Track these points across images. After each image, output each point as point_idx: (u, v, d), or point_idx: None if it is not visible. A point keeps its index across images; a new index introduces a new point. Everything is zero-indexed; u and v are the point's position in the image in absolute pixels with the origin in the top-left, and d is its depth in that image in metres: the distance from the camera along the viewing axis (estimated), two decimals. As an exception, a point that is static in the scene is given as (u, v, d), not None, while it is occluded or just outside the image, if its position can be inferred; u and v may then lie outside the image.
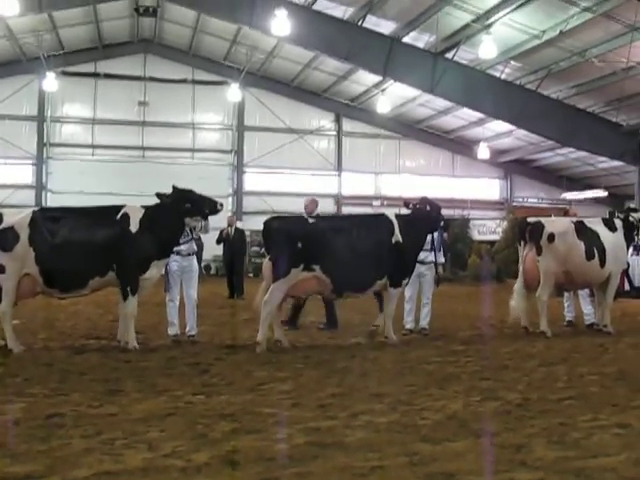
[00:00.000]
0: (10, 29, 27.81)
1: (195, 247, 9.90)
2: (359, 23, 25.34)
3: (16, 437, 4.80)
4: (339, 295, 9.82)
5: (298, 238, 9.25)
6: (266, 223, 9.56)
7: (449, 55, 25.62)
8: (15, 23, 26.67)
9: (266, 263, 9.61)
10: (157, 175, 28.62)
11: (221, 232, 17.94)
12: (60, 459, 4.32)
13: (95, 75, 33.38)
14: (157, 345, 9.44)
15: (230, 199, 33.41)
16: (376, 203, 34.94)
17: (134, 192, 25.57)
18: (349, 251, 9.47)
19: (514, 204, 36.78)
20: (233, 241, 18.01)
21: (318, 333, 11.01)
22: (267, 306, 9.09)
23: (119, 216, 9.05)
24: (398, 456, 4.44)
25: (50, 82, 30.83)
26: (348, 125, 35.94)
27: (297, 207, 29.44)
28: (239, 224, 20.19)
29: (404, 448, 4.62)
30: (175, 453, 4.46)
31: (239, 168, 34.63)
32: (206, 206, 9.42)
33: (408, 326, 11.06)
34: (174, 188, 9.41)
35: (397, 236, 9.80)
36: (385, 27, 25.75)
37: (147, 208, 9.26)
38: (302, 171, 34.93)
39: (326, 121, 35.92)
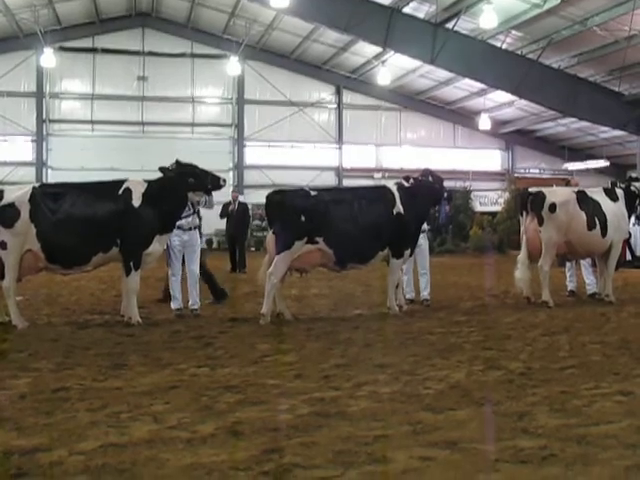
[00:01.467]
0: (6, 4, 27.58)
1: (197, 221, 9.89)
2: (359, -6, 25.12)
3: (22, 411, 4.83)
4: (342, 267, 9.86)
5: (301, 211, 9.29)
6: (269, 197, 9.57)
7: (449, 25, 25.38)
8: (11, -1, 26.47)
9: (269, 237, 9.63)
10: (157, 150, 28.56)
11: (224, 206, 17.92)
12: (66, 432, 4.36)
13: (93, 50, 33.16)
14: (160, 319, 9.48)
15: (231, 173, 33.32)
16: (377, 175, 34.86)
17: (135, 167, 25.57)
18: (351, 223, 9.52)
19: (515, 175, 36.68)
20: (236, 215, 18.00)
21: (321, 305, 11.04)
22: (271, 278, 9.13)
23: (121, 191, 9.02)
24: (401, 425, 4.47)
25: (48, 58, 30.62)
26: (348, 97, 35.75)
27: (298, 180, 29.64)
28: (241, 198, 20.14)
29: (407, 417, 4.65)
30: (180, 425, 4.50)
31: (239, 142, 34.51)
32: (209, 181, 9.39)
33: (408, 296, 11.11)
34: (177, 162, 9.38)
35: (398, 207, 9.83)
36: (385, -3, 25.54)
37: (149, 182, 9.23)
38: (303, 144, 34.82)
39: (326, 93, 35.73)
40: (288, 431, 4.37)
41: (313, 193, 9.70)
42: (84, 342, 7.68)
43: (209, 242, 29.16)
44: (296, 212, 9.29)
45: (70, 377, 5.89)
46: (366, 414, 4.74)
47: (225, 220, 18.28)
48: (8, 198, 8.75)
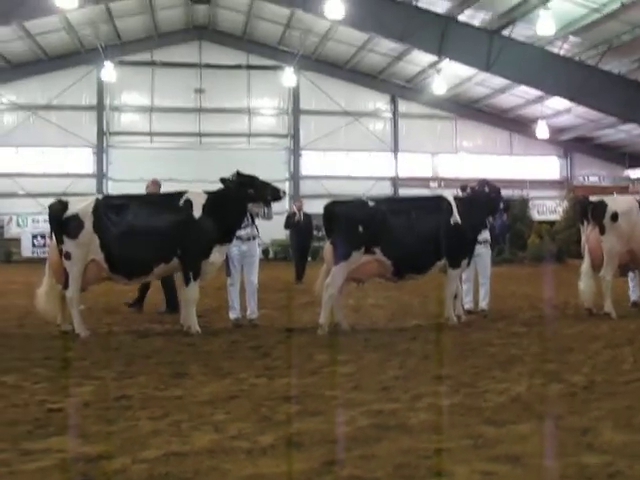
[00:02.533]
0: (69, 22, 28.40)
1: (256, 232, 9.97)
2: (413, 3, 25.08)
3: (86, 419, 4.92)
4: (400, 277, 9.83)
5: (359, 221, 9.30)
6: (327, 207, 9.61)
7: (506, 32, 25.17)
8: (74, 16, 27.25)
9: (327, 247, 9.66)
10: (214, 161, 28.99)
11: (289, 217, 17.96)
12: (129, 440, 4.42)
13: (152, 64, 33.87)
14: (219, 329, 9.57)
15: (287, 183, 33.54)
16: (433, 184, 34.69)
17: (192, 178, 25.99)
18: (409, 233, 9.50)
19: (574, 183, 36.04)
20: (301, 226, 18.02)
21: (378, 316, 11.00)
22: (329, 289, 9.15)
23: (182, 202, 9.16)
24: (462, 438, 4.42)
25: (108, 72, 31.44)
26: (404, 106, 35.70)
27: (354, 190, 29.66)
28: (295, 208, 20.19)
29: (468, 430, 4.60)
30: (241, 435, 4.53)
31: (295, 152, 34.74)
32: (269, 193, 9.48)
33: (467, 306, 11.03)
34: (238, 173, 9.49)
35: (455, 217, 9.78)
36: (440, 6, 25.45)
37: (210, 194, 9.35)
38: (358, 153, 34.88)
39: (382, 103, 35.74)
40: (347, 443, 4.35)
41: (371, 203, 9.70)
42: (145, 351, 7.80)
43: (265, 252, 29.37)
44: (354, 222, 9.30)
45: (132, 385, 5.98)
46: (426, 427, 4.70)
47: (289, 231, 18.21)
48: (72, 209, 8.96)
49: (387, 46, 29.82)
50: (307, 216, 18.40)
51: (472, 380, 6.15)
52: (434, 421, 4.84)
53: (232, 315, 9.97)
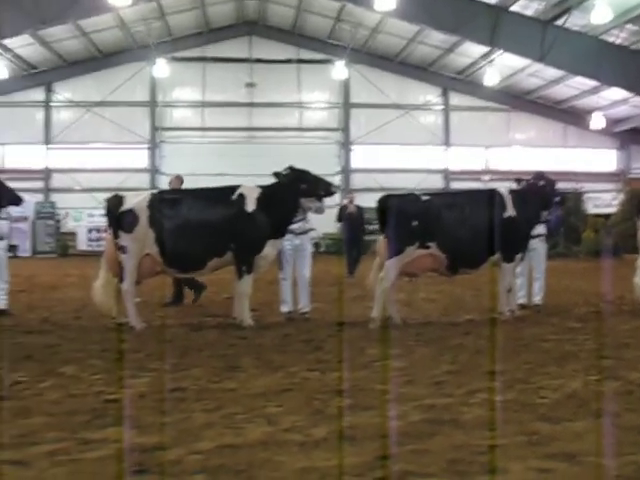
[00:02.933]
0: (122, 19, 28.86)
1: (308, 226, 10.00)
2: (465, -7, 24.84)
3: (142, 410, 5.00)
4: (454, 272, 9.76)
5: (413, 215, 9.27)
6: (380, 201, 9.60)
7: (559, 22, 24.71)
8: (126, 13, 27.69)
9: (381, 240, 9.64)
10: (265, 155, 29.21)
11: (341, 209, 17.98)
12: (183, 431, 4.48)
13: (203, 59, 34.19)
14: (271, 322, 9.64)
15: (337, 177, 33.55)
16: (485, 177, 34.31)
17: (243, 172, 26.21)
18: (463, 227, 9.43)
19: (631, 176, 35.24)
20: (353, 219, 17.99)
21: (430, 310, 10.95)
22: (382, 283, 9.14)
23: (235, 196, 9.24)
24: (516, 435, 4.37)
25: (160, 68, 31.89)
26: (455, 99, 35.38)
27: (405, 183, 29.55)
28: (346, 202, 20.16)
29: (522, 427, 4.54)
30: (294, 428, 4.55)
31: (346, 145, 34.72)
32: (321, 188, 9.51)
33: (520, 301, 10.89)
34: (291, 168, 9.54)
35: (510, 211, 9.66)
36: (492, -4, 25.14)
37: (263, 188, 9.42)
38: (409, 147, 34.69)
39: (432, 95, 35.46)
40: (400, 438, 4.34)
41: (424, 197, 9.65)
42: (198, 344, 7.89)
43: (317, 245, 29.45)
44: (408, 217, 9.28)
45: (186, 378, 6.05)
46: (479, 422, 4.66)
47: (342, 224, 18.19)
48: (128, 204, 9.11)
49: (438, 38, 29.57)
50: (359, 209, 18.33)
51: (526, 376, 6.08)
52: (488, 417, 4.79)
53: (284, 309, 10.02)
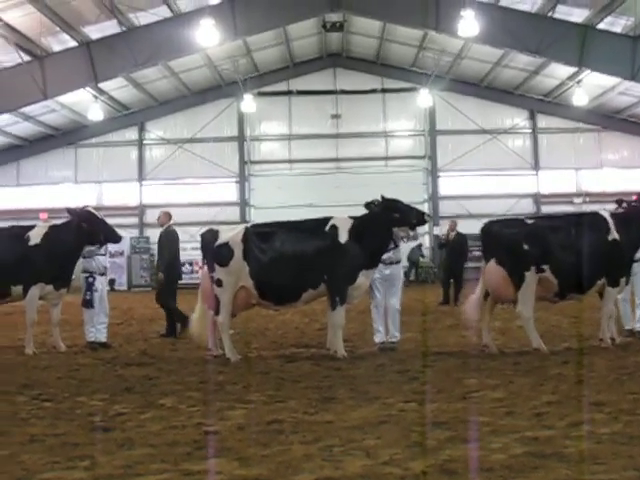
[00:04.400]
0: (209, 58, 29.72)
1: (399, 255, 9.98)
2: (549, 14, 24.43)
3: (241, 442, 5.06)
4: (562, 297, 9.54)
5: (523, 240, 9.19)
6: (485, 228, 9.53)
7: (651, 37, 24.00)
8: (213, 52, 28.46)
9: (488, 268, 9.50)
10: (352, 185, 29.37)
11: (442, 237, 17.79)
12: (283, 464, 4.51)
13: (288, 93, 34.74)
14: (364, 352, 9.62)
15: (425, 204, 33.30)
16: (577, 200, 33.36)
17: (331, 203, 26.39)
18: (572, 251, 9.30)
19: None
20: (453, 246, 17.78)
21: (527, 338, 10.68)
22: (523, 314, 9.23)
23: (328, 228, 9.33)
24: (626, 470, 4.19)
25: (248, 103, 32.61)
26: (543, 121, 34.64)
27: (495, 209, 29.10)
28: (436, 229, 20.00)
29: (632, 461, 4.35)
30: (393, 461, 4.51)
31: (433, 173, 34.46)
32: (414, 216, 9.53)
33: (627, 327, 10.52)
34: (383, 198, 9.58)
35: (613, 234, 9.42)
36: (577, 15, 24.64)
37: (355, 219, 9.48)
38: (498, 172, 34.09)
39: (520, 119, 34.87)
40: (502, 471, 4.24)
41: (528, 221, 9.55)
42: (293, 375, 7.95)
43: (406, 274, 29.26)
44: (519, 241, 9.21)
45: (282, 410, 6.09)
46: (585, 456, 4.50)
47: (442, 251, 17.97)
48: (223, 238, 9.32)
49: (523, 60, 29.13)
50: (461, 236, 18.03)
51: (632, 407, 5.84)
52: (593, 450, 4.63)
53: (377, 339, 9.98)
